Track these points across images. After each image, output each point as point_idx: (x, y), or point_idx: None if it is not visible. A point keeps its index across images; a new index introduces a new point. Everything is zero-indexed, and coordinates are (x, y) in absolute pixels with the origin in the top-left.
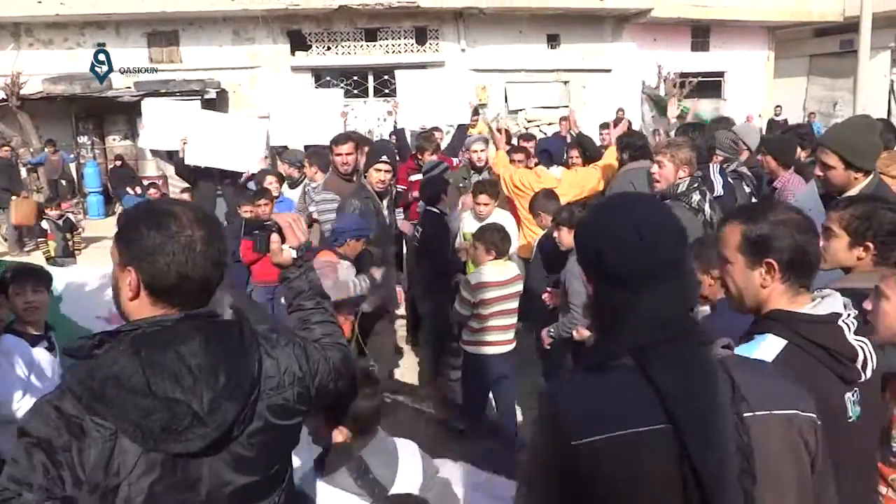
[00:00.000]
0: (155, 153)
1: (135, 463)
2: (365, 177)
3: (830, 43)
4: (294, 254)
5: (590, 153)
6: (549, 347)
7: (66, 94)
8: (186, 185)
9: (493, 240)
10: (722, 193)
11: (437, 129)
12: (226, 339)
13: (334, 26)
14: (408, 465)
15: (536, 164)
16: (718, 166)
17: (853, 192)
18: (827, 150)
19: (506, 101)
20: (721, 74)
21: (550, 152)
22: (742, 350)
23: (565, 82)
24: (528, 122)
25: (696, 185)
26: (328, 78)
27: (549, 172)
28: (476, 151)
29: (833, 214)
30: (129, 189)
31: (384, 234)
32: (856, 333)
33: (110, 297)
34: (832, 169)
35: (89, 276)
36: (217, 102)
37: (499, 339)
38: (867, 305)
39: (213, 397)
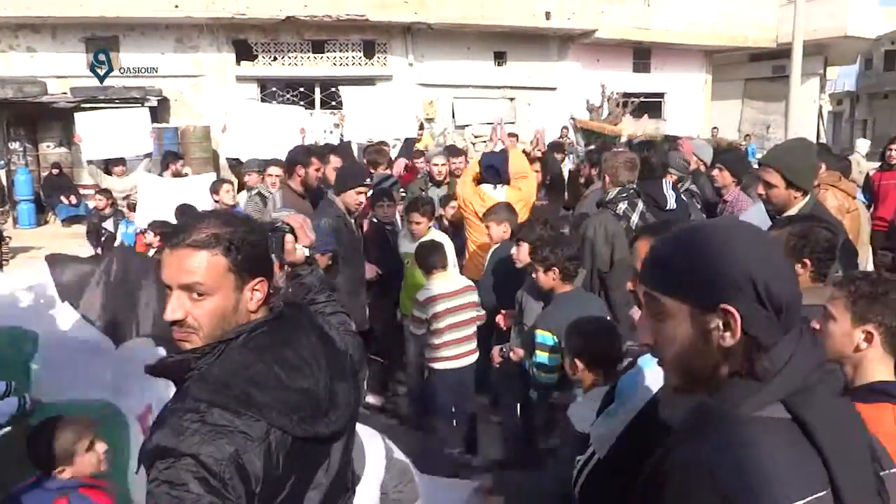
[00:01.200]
0: (91, 162)
1: (285, 454)
2: (337, 195)
3: (764, 68)
4: (307, 252)
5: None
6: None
7: None
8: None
9: (433, 259)
10: (674, 207)
11: (384, 143)
12: (311, 326)
13: (281, 37)
14: (372, 449)
15: (479, 183)
16: (671, 183)
17: (793, 210)
18: (770, 170)
19: (453, 116)
20: (661, 95)
21: (497, 168)
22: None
23: (511, 99)
24: (475, 137)
25: (624, 195)
26: (274, 88)
27: (493, 194)
28: (437, 164)
29: (774, 233)
30: (63, 198)
31: (356, 253)
32: None
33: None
34: (774, 188)
35: (14, 285)
36: (158, 110)
37: (459, 351)
38: (815, 325)
39: (327, 382)
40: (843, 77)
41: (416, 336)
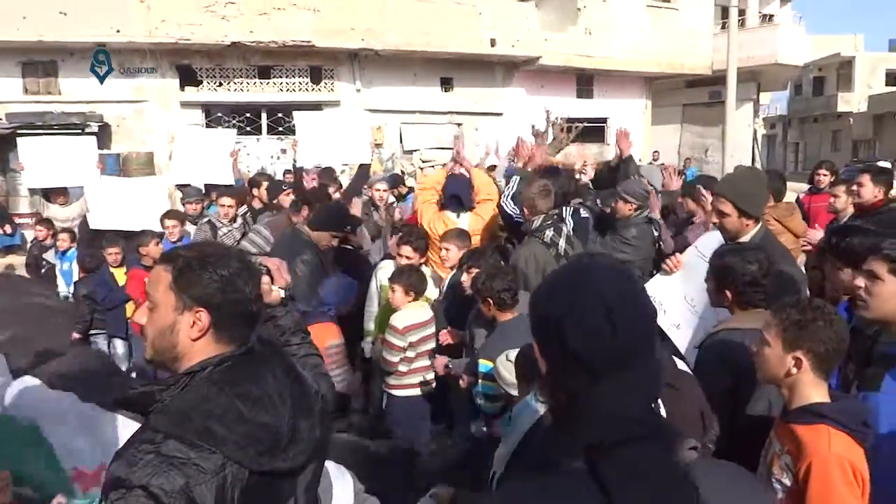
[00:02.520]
0: (34, 191)
1: (241, 489)
2: (312, 230)
3: (701, 94)
4: (282, 293)
5: None
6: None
7: None
8: (66, 226)
9: (412, 281)
10: (571, 233)
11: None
12: (281, 364)
13: (227, 62)
14: (341, 488)
15: (443, 209)
16: (571, 209)
17: (746, 237)
18: (723, 199)
19: (401, 141)
20: (604, 120)
21: (460, 197)
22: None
23: (458, 124)
24: (423, 162)
25: (549, 223)
26: (219, 114)
27: (456, 220)
28: (378, 190)
29: (711, 262)
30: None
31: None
32: None
33: None
34: (727, 216)
35: None
36: (99, 136)
37: (425, 378)
38: (753, 348)
39: (290, 418)
40: (775, 102)
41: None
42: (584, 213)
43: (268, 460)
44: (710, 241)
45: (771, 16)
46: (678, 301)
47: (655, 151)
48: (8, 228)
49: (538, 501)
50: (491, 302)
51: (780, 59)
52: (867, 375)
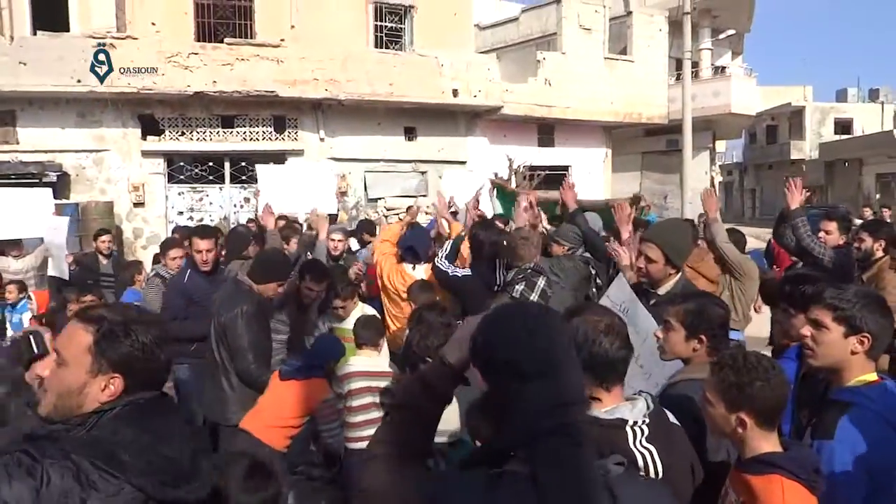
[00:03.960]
0: None
1: None
2: (257, 283)
3: (659, 142)
4: None
5: None
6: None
7: None
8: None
9: (360, 332)
10: (548, 288)
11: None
12: (178, 411)
13: (189, 112)
14: None
15: (401, 261)
16: (504, 263)
17: (668, 285)
18: (653, 245)
19: (365, 189)
20: (566, 168)
21: (416, 249)
22: None
23: (423, 172)
24: (388, 210)
25: (521, 276)
26: (181, 163)
27: (412, 273)
28: (333, 240)
29: (671, 309)
30: None
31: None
32: (646, 440)
33: None
34: (654, 262)
35: None
36: (58, 186)
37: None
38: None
39: (191, 455)
40: (731, 149)
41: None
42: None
43: (171, 490)
44: (620, 291)
45: (723, 68)
46: None
47: (616, 198)
48: None
49: (473, 492)
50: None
51: (734, 109)
52: (820, 422)
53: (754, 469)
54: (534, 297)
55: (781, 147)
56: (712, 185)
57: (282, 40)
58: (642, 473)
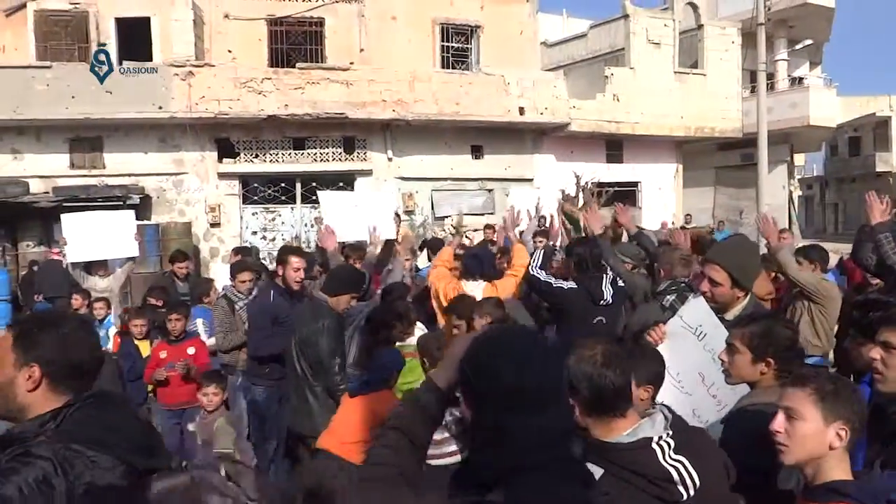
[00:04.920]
0: (76, 265)
1: (129, 484)
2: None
3: (733, 156)
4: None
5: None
6: None
7: None
8: (104, 296)
9: (430, 348)
10: (611, 302)
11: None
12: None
13: (263, 135)
14: None
15: (463, 275)
16: (610, 278)
17: (736, 309)
18: (717, 267)
19: (432, 208)
20: (635, 184)
21: (480, 257)
22: None
23: (489, 190)
24: (454, 228)
25: (674, 288)
26: (255, 184)
27: (471, 291)
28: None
29: (735, 332)
30: (39, 297)
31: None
32: (675, 452)
33: None
34: (720, 286)
35: None
36: (140, 208)
37: (448, 450)
38: (779, 428)
39: (150, 434)
40: (812, 162)
41: None
42: (620, 283)
43: (148, 461)
44: (695, 312)
45: (801, 78)
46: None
47: (688, 215)
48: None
49: None
50: None
51: (812, 121)
52: (894, 453)
53: (823, 497)
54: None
55: (865, 159)
56: (790, 199)
57: (351, 63)
58: (680, 488)
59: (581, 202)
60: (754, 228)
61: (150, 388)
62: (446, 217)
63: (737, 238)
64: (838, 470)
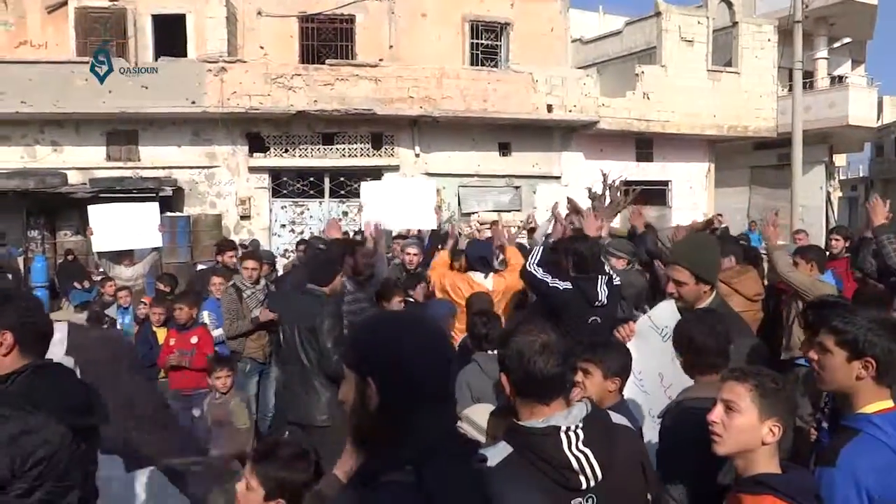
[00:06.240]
0: (102, 255)
1: (71, 440)
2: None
3: (769, 156)
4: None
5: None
6: None
7: (19, 189)
8: (128, 285)
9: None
10: (605, 302)
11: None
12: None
13: (293, 130)
14: None
15: (467, 270)
16: (606, 278)
17: (703, 305)
18: (679, 268)
19: (459, 204)
20: (666, 183)
21: (487, 259)
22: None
23: (517, 187)
24: (481, 224)
25: None
26: (285, 178)
27: (482, 282)
28: (409, 254)
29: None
30: (76, 284)
31: None
32: (581, 444)
33: None
34: (684, 285)
35: None
36: (173, 200)
37: None
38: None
39: (89, 397)
40: (857, 163)
41: None
42: (616, 282)
43: (83, 419)
44: (663, 313)
45: (841, 77)
46: None
47: (719, 214)
48: (86, 283)
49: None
50: None
51: (852, 121)
52: (825, 450)
53: (750, 489)
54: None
55: None
56: (828, 200)
57: (380, 60)
58: (580, 478)
59: (608, 200)
60: (787, 229)
61: (161, 373)
62: (473, 213)
63: (693, 236)
64: (768, 464)
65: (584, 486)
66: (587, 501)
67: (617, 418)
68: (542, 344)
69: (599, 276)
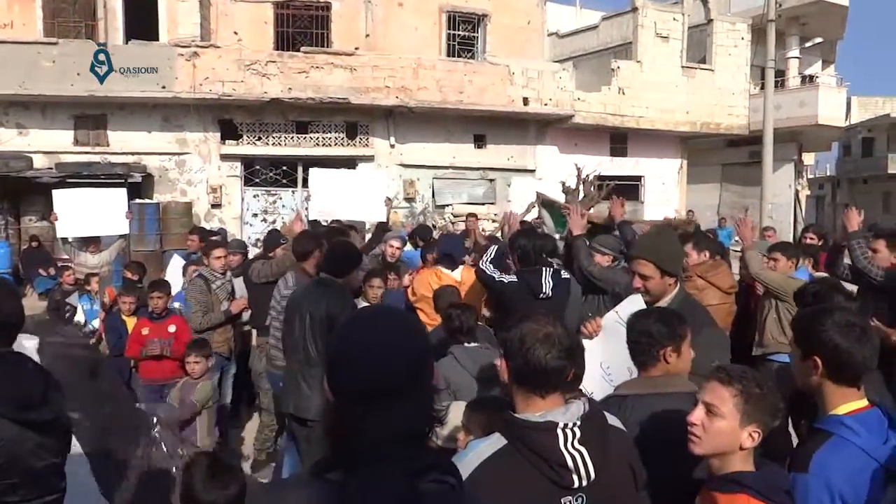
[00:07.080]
0: (66, 241)
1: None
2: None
3: (741, 153)
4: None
5: None
6: None
7: None
8: (94, 272)
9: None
10: (550, 295)
11: (352, 226)
12: (32, 361)
13: (266, 118)
14: None
15: (436, 263)
16: (551, 271)
17: (668, 297)
18: (644, 262)
19: (433, 196)
20: (639, 178)
21: (453, 256)
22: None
23: (491, 180)
24: (455, 216)
25: None
26: (258, 167)
27: (450, 274)
28: (392, 246)
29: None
30: (41, 271)
31: None
32: (578, 442)
33: None
34: (650, 279)
35: None
36: (142, 186)
37: None
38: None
39: (43, 390)
40: (824, 162)
41: None
42: (564, 275)
43: (24, 413)
44: (630, 307)
45: (812, 77)
46: (594, 368)
47: (690, 211)
48: (51, 270)
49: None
50: None
51: (821, 120)
52: (797, 454)
53: (724, 487)
54: None
55: (878, 161)
56: (797, 198)
57: (356, 49)
58: (574, 476)
59: (581, 195)
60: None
61: (132, 362)
62: (447, 205)
63: (654, 230)
64: (742, 463)
65: (577, 484)
66: (577, 500)
67: (611, 419)
68: (546, 334)
69: (544, 269)
